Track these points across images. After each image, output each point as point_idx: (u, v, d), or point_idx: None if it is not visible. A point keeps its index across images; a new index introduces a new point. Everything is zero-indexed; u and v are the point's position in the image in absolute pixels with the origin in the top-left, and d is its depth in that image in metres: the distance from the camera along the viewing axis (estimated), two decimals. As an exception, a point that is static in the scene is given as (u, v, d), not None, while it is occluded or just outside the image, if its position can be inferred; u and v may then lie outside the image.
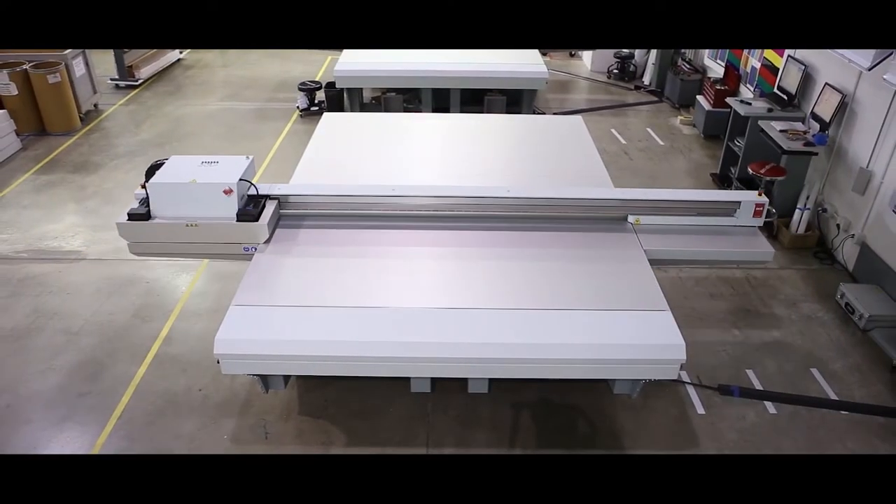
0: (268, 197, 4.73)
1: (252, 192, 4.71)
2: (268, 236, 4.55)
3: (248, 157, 4.77)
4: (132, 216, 4.49)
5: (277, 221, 4.77)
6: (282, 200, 4.82)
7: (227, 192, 4.43)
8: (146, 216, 4.49)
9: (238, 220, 4.48)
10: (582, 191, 4.98)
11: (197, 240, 4.52)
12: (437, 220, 4.86)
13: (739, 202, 4.82)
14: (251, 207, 4.57)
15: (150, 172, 4.62)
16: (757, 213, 4.83)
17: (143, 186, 4.52)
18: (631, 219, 4.86)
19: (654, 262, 4.51)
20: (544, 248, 4.58)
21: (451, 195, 4.89)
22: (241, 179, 4.52)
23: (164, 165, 4.68)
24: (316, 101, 9.99)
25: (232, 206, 4.48)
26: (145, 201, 4.54)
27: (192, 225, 4.46)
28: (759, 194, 4.87)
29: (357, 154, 5.85)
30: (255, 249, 4.51)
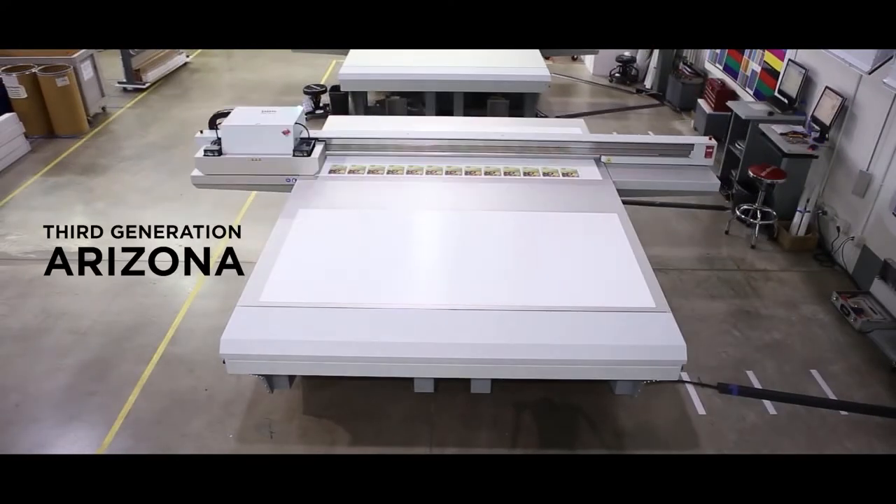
0: (317, 139, 5.71)
1: (304, 134, 5.66)
2: (318, 169, 5.50)
3: (300, 106, 5.81)
4: (207, 152, 5.45)
5: (324, 159, 5.71)
6: (328, 143, 5.77)
7: (286, 132, 5.38)
8: (218, 153, 5.43)
9: (294, 155, 5.44)
10: (563, 133, 6.26)
11: (259, 172, 5.47)
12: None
13: (693, 144, 5.76)
14: (304, 146, 5.55)
15: (213, 120, 5.62)
16: (707, 154, 5.74)
17: (213, 127, 5.58)
18: (603, 158, 5.81)
19: (623, 193, 5.35)
20: (542, 237, 4.71)
21: (453, 137, 5.92)
22: (295, 123, 5.48)
23: (230, 113, 5.61)
24: (321, 105, 10.07)
25: (289, 144, 5.43)
26: (217, 141, 5.48)
27: (256, 159, 5.39)
28: (710, 138, 5.79)
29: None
30: (296, 181, 5.42)
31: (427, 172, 5.62)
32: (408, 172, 5.62)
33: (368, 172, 5.59)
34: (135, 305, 5.86)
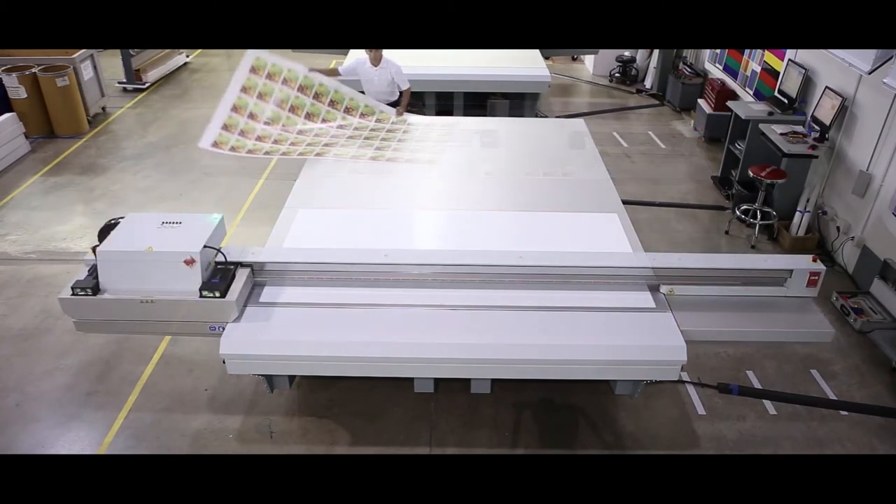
0: (239, 264, 4.02)
1: (220, 259, 3.99)
2: (237, 314, 3.84)
3: (216, 216, 4.10)
4: (77, 289, 3.79)
5: (250, 294, 4.04)
6: (256, 268, 4.11)
7: (189, 262, 3.76)
8: (95, 289, 3.81)
9: (201, 297, 3.77)
10: (606, 257, 4.32)
11: (153, 318, 3.85)
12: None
13: (791, 270, 4.14)
14: (218, 279, 3.84)
15: (104, 233, 3.99)
16: (811, 283, 4.17)
17: (94, 250, 3.87)
18: (664, 289, 4.17)
19: (692, 343, 3.85)
20: (542, 237, 4.72)
21: (453, 262, 4.25)
22: (205, 246, 3.83)
23: (117, 226, 4.00)
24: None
25: (195, 278, 3.79)
26: (94, 269, 3.88)
27: (147, 301, 3.77)
28: (814, 260, 4.17)
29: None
30: (223, 329, 3.82)
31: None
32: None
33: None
34: (135, 305, 5.85)
